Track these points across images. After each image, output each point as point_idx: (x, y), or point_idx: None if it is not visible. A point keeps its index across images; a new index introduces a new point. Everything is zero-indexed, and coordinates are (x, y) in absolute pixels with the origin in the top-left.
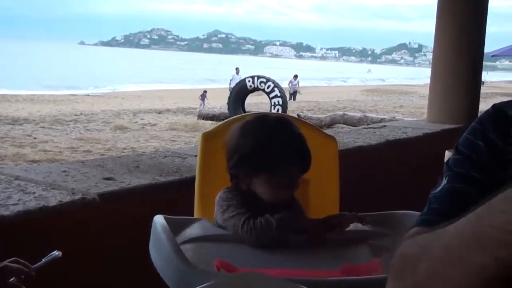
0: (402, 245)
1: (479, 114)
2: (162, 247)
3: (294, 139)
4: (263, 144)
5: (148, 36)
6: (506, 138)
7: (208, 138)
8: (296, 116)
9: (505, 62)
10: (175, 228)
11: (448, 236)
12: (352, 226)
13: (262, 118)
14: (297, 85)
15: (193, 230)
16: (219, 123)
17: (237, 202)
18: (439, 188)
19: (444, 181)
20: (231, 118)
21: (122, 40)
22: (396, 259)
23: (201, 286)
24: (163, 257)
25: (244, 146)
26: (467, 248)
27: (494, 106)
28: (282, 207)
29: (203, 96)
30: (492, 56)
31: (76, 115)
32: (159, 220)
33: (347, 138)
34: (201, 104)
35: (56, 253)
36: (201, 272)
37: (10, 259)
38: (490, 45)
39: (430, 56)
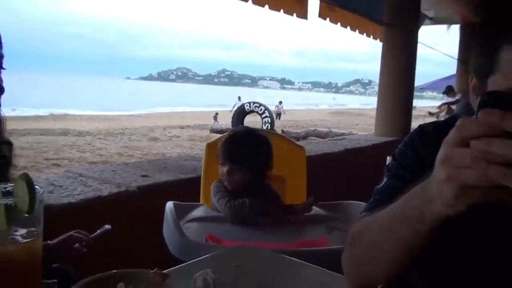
0: (353, 225)
1: (411, 130)
2: (168, 224)
3: (248, 144)
4: (225, 146)
5: (175, 72)
6: (427, 149)
7: (211, 146)
8: (281, 131)
9: (430, 93)
10: (182, 211)
11: (383, 216)
12: (313, 211)
13: (235, 131)
14: (281, 108)
15: (195, 213)
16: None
17: (223, 189)
18: (381, 185)
19: (385, 180)
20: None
21: (156, 76)
22: (348, 234)
23: (204, 256)
24: (168, 232)
25: (219, 147)
26: (395, 224)
27: (420, 125)
28: (255, 194)
29: (215, 116)
30: (420, 88)
31: (122, 129)
32: (169, 205)
33: (317, 147)
34: (214, 122)
35: (107, 226)
36: (193, 242)
37: (74, 231)
38: (418, 80)
39: (376, 88)
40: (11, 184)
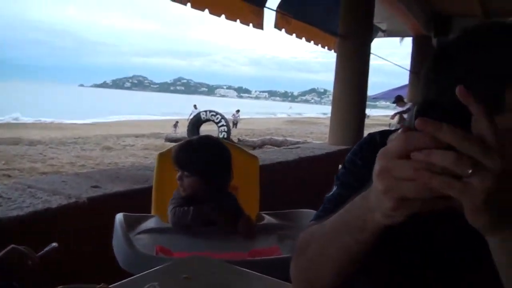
0: (301, 234)
1: None
2: (117, 236)
3: (200, 150)
4: (176, 152)
5: (130, 80)
6: (375, 157)
7: (163, 156)
8: (237, 140)
9: (383, 103)
10: (133, 223)
11: (327, 225)
12: (266, 220)
13: (189, 138)
14: (238, 117)
15: (146, 224)
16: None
17: (177, 196)
18: (331, 193)
19: (335, 188)
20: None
21: (111, 83)
22: (296, 243)
23: (153, 269)
24: (117, 244)
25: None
26: (338, 233)
27: (369, 134)
28: (211, 202)
29: (176, 124)
30: (373, 98)
31: (75, 138)
32: (118, 217)
33: (272, 155)
34: (174, 130)
35: (54, 244)
36: (142, 255)
37: (21, 246)
38: (372, 90)
39: (331, 97)
40: None
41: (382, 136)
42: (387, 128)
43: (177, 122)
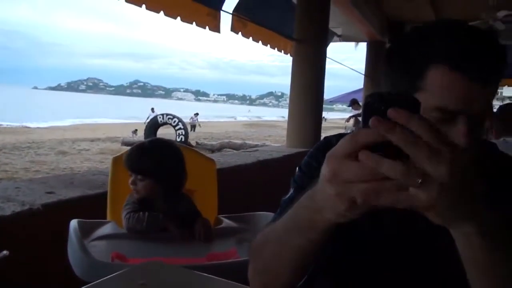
0: (256, 237)
1: None
2: (72, 244)
3: (151, 153)
4: (127, 156)
5: (85, 83)
6: None
7: (117, 160)
8: (196, 143)
9: (340, 106)
10: (88, 229)
11: (278, 227)
12: (224, 224)
13: (140, 142)
14: (196, 120)
15: (102, 230)
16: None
17: (132, 201)
18: (287, 196)
19: (291, 191)
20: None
21: (66, 86)
22: (251, 246)
23: (108, 276)
24: (72, 251)
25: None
26: (289, 234)
27: (325, 137)
28: (167, 205)
29: (135, 132)
30: (330, 101)
31: (29, 143)
32: (73, 223)
33: (230, 159)
34: (133, 136)
35: (5, 252)
36: (97, 262)
37: None
38: (328, 94)
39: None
40: None
41: (338, 140)
42: (343, 130)
43: (136, 130)
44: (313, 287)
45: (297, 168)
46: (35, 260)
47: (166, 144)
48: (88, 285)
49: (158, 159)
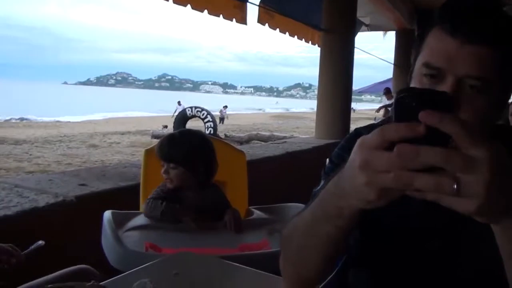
0: (286, 227)
1: (350, 132)
2: (106, 234)
3: (182, 143)
4: (160, 146)
5: (114, 77)
6: None
7: (149, 152)
8: (224, 135)
9: (368, 96)
10: (121, 220)
11: (307, 216)
12: (255, 215)
13: (171, 132)
14: (225, 113)
15: (135, 221)
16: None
17: (159, 189)
18: (318, 187)
19: (322, 182)
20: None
21: (95, 81)
22: (282, 236)
23: (143, 266)
24: (106, 242)
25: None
26: (317, 222)
27: (356, 129)
28: (196, 195)
29: (165, 127)
30: (359, 92)
31: (60, 136)
32: (106, 215)
33: (258, 151)
34: (162, 129)
35: (40, 242)
36: (131, 252)
37: (6, 244)
38: (357, 84)
39: (317, 91)
40: None
41: (369, 131)
42: (372, 121)
43: (166, 126)
44: (348, 277)
45: (327, 160)
46: (69, 250)
47: (196, 133)
48: (123, 274)
49: (189, 148)
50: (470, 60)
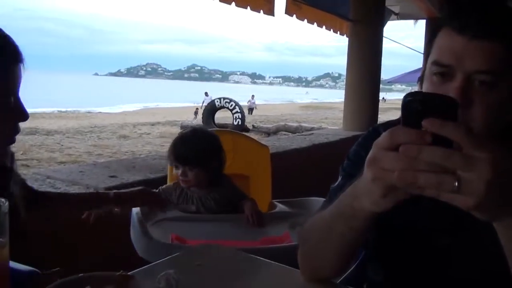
0: (305, 223)
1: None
2: (134, 226)
3: (196, 143)
4: (173, 149)
5: (144, 68)
6: None
7: None
8: (252, 126)
9: (399, 86)
10: (150, 212)
11: (325, 214)
12: (277, 208)
13: (181, 133)
14: (254, 103)
15: (162, 213)
16: None
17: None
18: (336, 184)
19: (340, 179)
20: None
21: (125, 72)
22: (301, 232)
23: (168, 257)
24: (134, 233)
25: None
26: (333, 221)
27: (374, 126)
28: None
29: (196, 112)
30: (388, 82)
31: (91, 127)
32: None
33: (285, 143)
34: (194, 118)
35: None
36: (157, 243)
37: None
38: (386, 74)
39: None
40: None
41: (386, 128)
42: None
43: (197, 109)
44: (366, 271)
45: (346, 157)
46: (99, 241)
47: (204, 131)
48: (150, 264)
49: (203, 147)
50: (478, 56)
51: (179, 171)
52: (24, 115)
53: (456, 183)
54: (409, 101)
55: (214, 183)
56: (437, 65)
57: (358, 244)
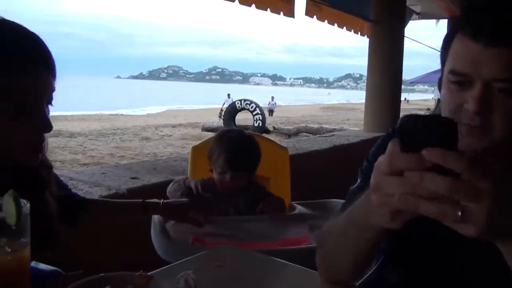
0: (324, 225)
1: None
2: (154, 227)
3: (232, 148)
4: (231, 157)
5: (166, 71)
6: None
7: (197, 149)
8: (272, 128)
9: (421, 87)
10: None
11: (341, 219)
12: (297, 210)
13: (227, 137)
14: (274, 104)
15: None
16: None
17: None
18: (355, 186)
19: (359, 181)
20: (211, 136)
21: (147, 74)
22: (319, 234)
23: (187, 258)
24: (155, 234)
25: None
26: (347, 228)
27: (392, 128)
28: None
29: (220, 114)
30: (411, 82)
31: (114, 129)
32: None
33: (305, 144)
34: (219, 119)
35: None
36: (177, 244)
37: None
38: (408, 74)
39: None
40: None
41: None
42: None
43: (221, 110)
44: (384, 274)
45: (366, 158)
46: (121, 241)
47: (250, 137)
48: (169, 265)
49: (256, 156)
50: (495, 63)
51: (227, 176)
52: (48, 127)
53: (460, 213)
54: (406, 125)
55: (247, 186)
56: (453, 74)
57: (374, 251)
